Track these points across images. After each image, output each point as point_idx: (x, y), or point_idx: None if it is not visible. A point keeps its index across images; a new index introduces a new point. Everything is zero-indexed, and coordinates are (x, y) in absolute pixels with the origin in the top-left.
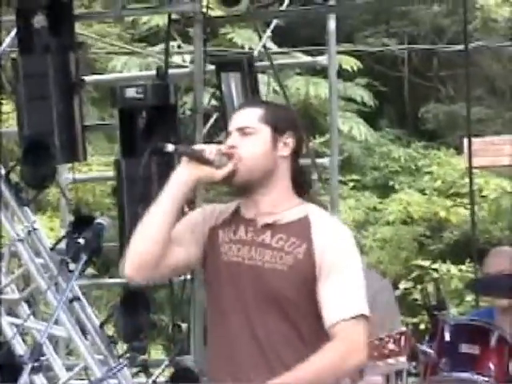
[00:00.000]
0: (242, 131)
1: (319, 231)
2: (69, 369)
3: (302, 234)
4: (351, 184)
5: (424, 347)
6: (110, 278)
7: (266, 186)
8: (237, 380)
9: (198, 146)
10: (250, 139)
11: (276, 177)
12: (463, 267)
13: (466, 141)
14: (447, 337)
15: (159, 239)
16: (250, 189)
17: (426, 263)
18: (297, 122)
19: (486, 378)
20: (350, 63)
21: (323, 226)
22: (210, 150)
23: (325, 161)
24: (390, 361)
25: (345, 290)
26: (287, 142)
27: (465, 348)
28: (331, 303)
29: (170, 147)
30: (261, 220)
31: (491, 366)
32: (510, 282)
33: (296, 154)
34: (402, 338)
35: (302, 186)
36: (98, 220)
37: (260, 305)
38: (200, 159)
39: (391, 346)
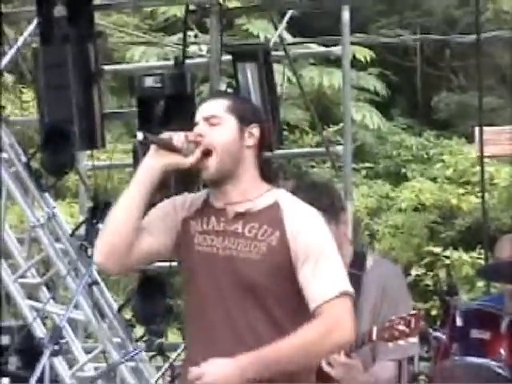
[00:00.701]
0: (209, 121)
1: (291, 217)
2: (87, 352)
3: (274, 221)
4: (364, 172)
5: (435, 332)
6: None
7: (234, 175)
8: (214, 357)
9: (166, 134)
10: (217, 128)
11: (243, 166)
12: (474, 254)
13: (477, 130)
14: (458, 322)
15: (128, 227)
16: (220, 178)
17: (438, 250)
18: (261, 115)
19: (497, 363)
20: (364, 53)
21: (294, 211)
22: (177, 138)
23: (338, 149)
24: (401, 342)
25: (324, 271)
26: (252, 133)
27: (476, 333)
28: (313, 285)
29: (140, 136)
30: (232, 209)
31: (502, 351)
32: None
33: (261, 144)
34: (413, 319)
35: (268, 174)
36: None
37: (236, 293)
38: (168, 147)
39: (401, 327)
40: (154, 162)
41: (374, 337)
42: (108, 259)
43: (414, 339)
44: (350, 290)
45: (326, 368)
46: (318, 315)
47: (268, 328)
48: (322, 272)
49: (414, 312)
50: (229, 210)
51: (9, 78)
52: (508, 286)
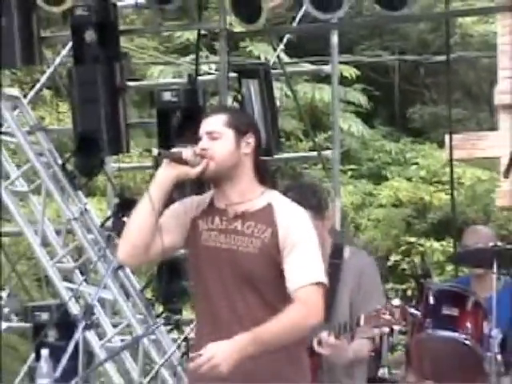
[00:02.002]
0: (211, 135)
1: (281, 215)
2: (114, 326)
3: (267, 220)
4: (350, 173)
5: (411, 309)
6: None
7: (233, 179)
8: (219, 339)
9: (176, 149)
10: (217, 142)
11: (241, 171)
12: (444, 243)
13: (447, 137)
14: (431, 301)
15: (146, 229)
16: (220, 182)
17: (413, 239)
18: (255, 125)
19: (464, 336)
20: (350, 71)
21: (284, 210)
22: (186, 153)
23: (328, 153)
24: (385, 329)
25: (305, 262)
26: (249, 142)
27: (446, 310)
28: (293, 272)
29: (155, 151)
30: (232, 210)
31: (468, 325)
32: (484, 254)
33: (257, 150)
34: (398, 311)
35: (264, 177)
36: None
37: (236, 281)
38: (179, 160)
39: (387, 316)
40: (167, 173)
41: (362, 323)
42: (130, 257)
43: (398, 327)
44: (325, 281)
45: (317, 348)
46: (296, 298)
47: (262, 309)
48: (303, 262)
49: (399, 304)
50: (229, 211)
51: (47, 93)
52: (473, 270)
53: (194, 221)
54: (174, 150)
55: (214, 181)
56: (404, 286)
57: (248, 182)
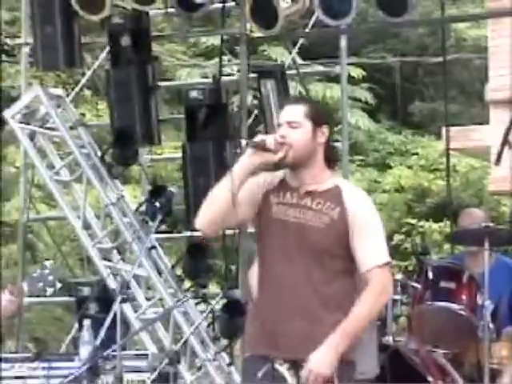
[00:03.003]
0: (290, 124)
1: (349, 198)
2: (148, 299)
3: (336, 199)
4: (357, 162)
5: (413, 283)
6: (178, 232)
7: (308, 164)
8: (285, 307)
9: (259, 137)
10: (297, 131)
11: (315, 158)
12: (441, 224)
13: (444, 129)
14: (430, 275)
15: (224, 205)
16: (297, 166)
17: (414, 221)
18: (329, 117)
19: (460, 307)
20: (357, 72)
21: (351, 193)
22: (269, 141)
23: (338, 145)
24: None
25: (375, 243)
26: (323, 132)
27: (443, 284)
28: (366, 253)
29: (244, 142)
30: (303, 188)
31: (464, 297)
32: (477, 234)
33: (329, 140)
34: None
35: (333, 163)
36: (170, 189)
37: (301, 254)
38: (263, 148)
39: None
40: (252, 160)
41: None
42: (208, 226)
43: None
44: (390, 260)
45: None
46: (370, 278)
47: (323, 281)
48: (372, 244)
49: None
50: (301, 189)
51: (87, 93)
52: (468, 248)
53: (265, 195)
54: (257, 138)
55: (292, 165)
56: (406, 263)
57: (320, 167)
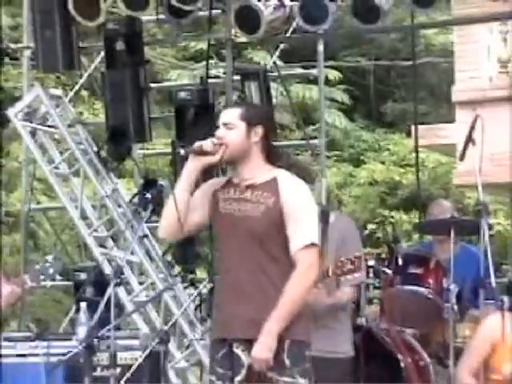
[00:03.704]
0: (226, 126)
1: (284, 187)
2: (140, 284)
3: (272, 190)
4: (334, 158)
5: (384, 269)
6: None
7: (244, 161)
8: (237, 292)
9: (197, 144)
10: (232, 132)
11: (251, 155)
12: (411, 215)
13: (413, 128)
14: (400, 262)
15: (181, 210)
16: (235, 163)
17: (386, 212)
18: (266, 117)
19: (427, 290)
20: (334, 74)
21: (287, 183)
22: (206, 145)
23: (316, 142)
24: (348, 277)
25: (304, 226)
26: (257, 132)
27: (412, 269)
28: (295, 235)
29: (182, 151)
30: (243, 183)
31: (431, 281)
32: (445, 224)
33: (266, 138)
34: (357, 260)
35: (271, 158)
36: (161, 182)
37: (248, 241)
38: (201, 153)
39: (349, 266)
40: (194, 165)
41: (330, 273)
42: (169, 234)
43: (359, 274)
44: (316, 242)
45: None
46: (298, 258)
47: (269, 262)
48: (301, 227)
49: (358, 254)
50: (241, 184)
51: (85, 94)
52: (435, 236)
53: (214, 193)
54: (195, 144)
55: (230, 162)
56: (378, 250)
57: (256, 162)
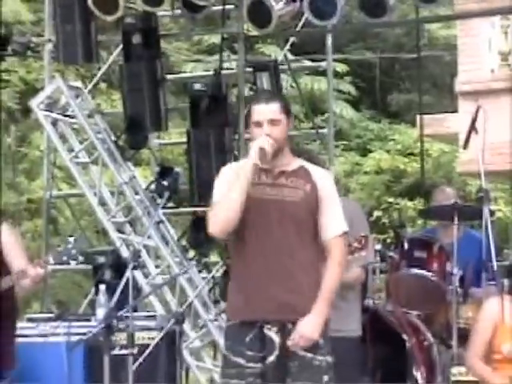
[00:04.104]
0: (272, 122)
1: (317, 176)
2: (157, 267)
3: (306, 177)
4: (341, 147)
5: (390, 253)
6: (183, 208)
7: (280, 151)
8: (268, 276)
9: (257, 148)
10: (277, 128)
11: (286, 145)
12: (416, 202)
13: (418, 118)
14: (406, 246)
15: (232, 215)
16: (275, 155)
17: (391, 199)
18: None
19: (431, 273)
20: (341, 67)
21: (317, 172)
22: (267, 148)
23: (325, 131)
24: (356, 255)
25: (337, 215)
26: (290, 122)
27: (417, 254)
28: (330, 223)
29: (259, 163)
30: (276, 169)
31: (435, 265)
32: (448, 210)
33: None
34: (364, 239)
35: (293, 148)
36: (176, 170)
37: (281, 225)
38: (264, 154)
39: (356, 245)
40: (255, 165)
41: None
42: (220, 232)
43: (365, 252)
44: (347, 230)
45: None
46: (331, 246)
47: (299, 247)
48: (335, 216)
49: (364, 234)
50: (274, 170)
51: (103, 85)
52: (439, 222)
53: None
54: (257, 150)
55: (271, 153)
56: (384, 236)
57: (286, 150)
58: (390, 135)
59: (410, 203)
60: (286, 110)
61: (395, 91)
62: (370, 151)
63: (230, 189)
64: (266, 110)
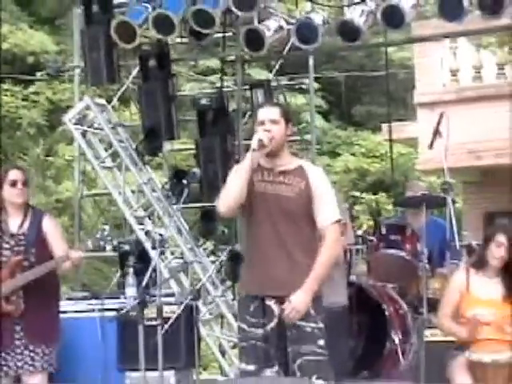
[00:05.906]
0: (273, 121)
1: (311, 173)
2: (172, 253)
3: (302, 175)
4: (315, 151)
5: (370, 237)
6: (194, 203)
7: (280, 151)
8: (269, 258)
9: (256, 139)
10: (277, 127)
11: (284, 146)
12: (377, 196)
13: (384, 125)
14: (383, 231)
15: (237, 195)
16: (274, 153)
17: (357, 194)
18: (291, 116)
19: (405, 253)
20: (314, 84)
21: (312, 170)
22: (265, 140)
23: (308, 137)
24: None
25: (330, 206)
26: (289, 128)
27: (393, 237)
28: (324, 213)
29: (255, 147)
30: (276, 168)
31: (408, 246)
32: (417, 200)
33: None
34: (343, 226)
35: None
36: (193, 171)
37: (279, 216)
38: (262, 145)
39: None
40: (255, 156)
41: None
42: (227, 211)
43: (344, 236)
44: (341, 218)
45: None
46: (326, 232)
47: (296, 233)
48: (328, 207)
49: (344, 221)
50: (275, 169)
51: (116, 102)
52: (410, 210)
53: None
54: (256, 140)
55: (271, 153)
56: (353, 224)
57: (286, 152)
58: (356, 141)
59: (373, 197)
60: (286, 116)
61: (358, 104)
62: (339, 154)
63: (235, 171)
64: (268, 112)
